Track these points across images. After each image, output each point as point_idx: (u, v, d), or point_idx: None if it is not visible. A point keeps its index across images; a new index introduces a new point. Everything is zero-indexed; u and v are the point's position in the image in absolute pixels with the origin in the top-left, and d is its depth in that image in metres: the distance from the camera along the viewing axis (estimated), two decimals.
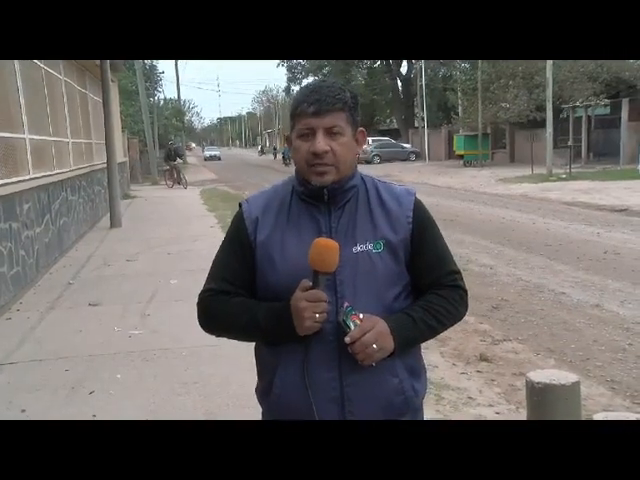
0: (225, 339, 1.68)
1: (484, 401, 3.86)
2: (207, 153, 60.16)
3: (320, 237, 1.46)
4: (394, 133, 46.82)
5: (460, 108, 33.88)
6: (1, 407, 3.83)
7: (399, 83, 47.49)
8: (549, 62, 20.19)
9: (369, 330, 1.41)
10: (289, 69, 54.16)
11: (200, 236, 10.09)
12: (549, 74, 20.35)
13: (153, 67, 39.82)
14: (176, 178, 22.10)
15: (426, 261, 1.57)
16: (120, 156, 17.68)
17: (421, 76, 37.11)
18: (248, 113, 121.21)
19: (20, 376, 4.36)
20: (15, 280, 6.49)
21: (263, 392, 1.60)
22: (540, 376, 1.75)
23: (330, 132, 1.46)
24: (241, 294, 1.56)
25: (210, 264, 1.65)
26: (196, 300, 1.64)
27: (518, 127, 29.41)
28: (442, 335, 5.66)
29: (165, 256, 8.59)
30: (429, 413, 3.62)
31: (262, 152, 64.91)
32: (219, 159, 55.09)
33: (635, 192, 14.61)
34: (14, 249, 6.55)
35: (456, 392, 3.99)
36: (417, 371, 1.61)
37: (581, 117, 26.37)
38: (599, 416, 1.67)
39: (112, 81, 14.80)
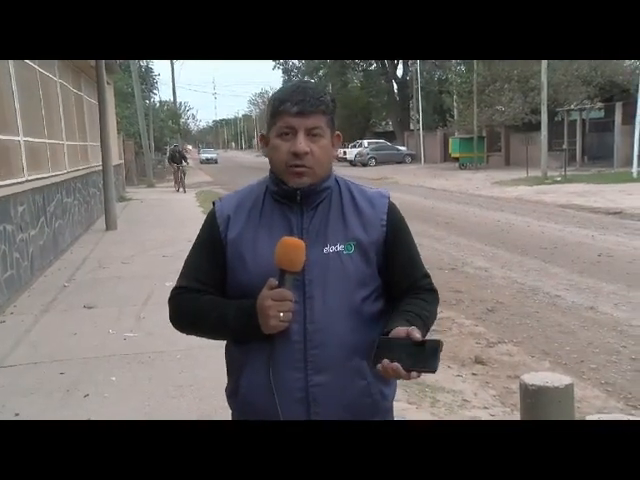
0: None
1: (479, 404, 3.87)
2: (203, 156, 56.77)
3: (292, 236, 1.46)
4: (390, 135, 46.89)
5: (456, 111, 33.99)
6: None
7: (395, 86, 47.61)
8: (544, 66, 20.27)
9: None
10: (285, 71, 54.30)
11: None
12: (544, 77, 20.44)
13: (149, 69, 39.80)
14: (180, 181, 21.62)
15: (400, 264, 1.57)
16: (116, 158, 17.65)
17: (417, 79, 37.20)
18: (244, 115, 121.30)
19: (14, 379, 4.35)
20: (9, 283, 6.47)
21: (231, 392, 1.60)
22: (534, 378, 1.76)
23: (311, 133, 1.46)
24: (212, 292, 1.56)
25: None
26: None
27: (513, 130, 29.51)
28: (437, 337, 5.64)
29: (160, 258, 8.57)
30: (424, 416, 3.63)
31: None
32: (216, 162, 52.99)
33: (629, 195, 14.68)
34: (8, 252, 6.53)
35: (451, 394, 4.00)
36: None
37: (575, 120, 26.49)
38: (593, 418, 1.68)
39: (108, 83, 14.79)
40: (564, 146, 24.04)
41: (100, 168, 12.80)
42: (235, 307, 1.49)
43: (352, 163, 38.75)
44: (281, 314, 1.40)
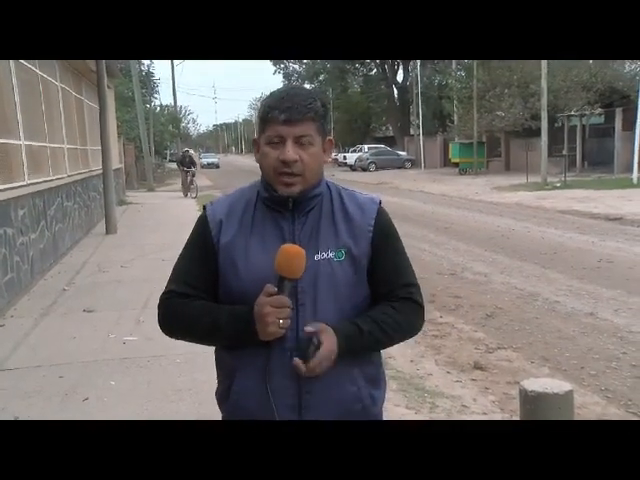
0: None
1: (478, 409, 3.86)
2: (204, 160, 55.75)
3: (285, 243, 1.46)
4: (390, 141, 46.99)
5: (456, 116, 34.03)
6: None
7: (395, 91, 47.72)
8: (544, 71, 20.30)
9: (325, 358, 1.42)
10: (285, 76, 54.35)
11: None
12: (544, 83, 20.47)
13: (149, 73, 39.89)
14: (188, 186, 21.11)
15: (383, 271, 1.55)
16: (116, 162, 17.66)
17: (417, 84, 37.26)
18: (244, 120, 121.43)
19: (13, 383, 4.34)
20: (9, 286, 6.47)
21: (222, 396, 1.59)
22: (533, 384, 1.75)
23: (300, 141, 1.45)
24: (203, 297, 1.55)
25: None
26: None
27: (513, 135, 29.54)
28: (436, 343, 5.61)
29: (160, 262, 8.55)
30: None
31: None
32: (217, 167, 52.30)
33: (629, 201, 14.68)
34: (9, 255, 6.53)
35: (450, 400, 3.99)
36: (376, 379, 1.61)
37: (576, 126, 26.52)
38: None
39: (108, 87, 14.81)
40: (564, 152, 24.04)
41: (100, 172, 12.80)
42: (229, 313, 1.49)
43: (352, 168, 38.82)
44: (280, 321, 1.40)
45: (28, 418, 3.71)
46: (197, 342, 1.61)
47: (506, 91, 27.89)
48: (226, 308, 1.51)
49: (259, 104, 1.66)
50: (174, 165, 46.31)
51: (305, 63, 52.24)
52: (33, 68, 8.72)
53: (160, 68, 47.17)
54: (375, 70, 49.47)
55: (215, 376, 1.65)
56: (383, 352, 1.67)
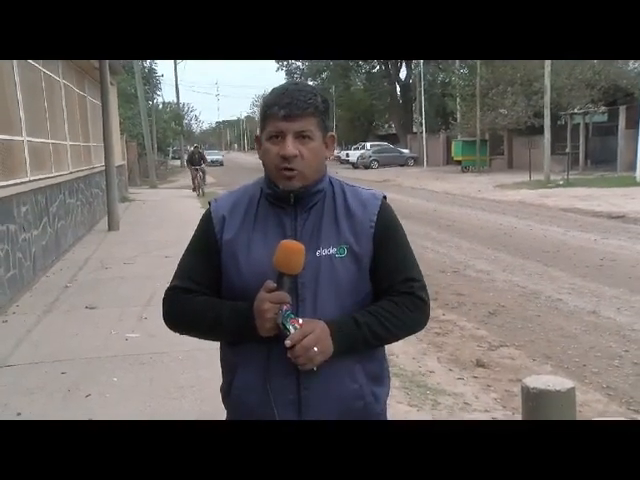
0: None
1: (480, 407, 3.86)
2: (208, 158, 53.25)
3: (286, 239, 1.46)
4: (392, 138, 46.92)
5: (458, 114, 33.96)
6: None
7: (398, 88, 47.64)
8: (547, 69, 20.25)
9: (310, 333, 1.40)
10: (288, 73, 54.30)
11: None
12: (547, 81, 20.42)
13: (152, 70, 39.87)
14: (199, 184, 20.57)
15: (385, 266, 1.54)
16: (118, 159, 17.67)
17: (420, 81, 37.21)
18: (246, 117, 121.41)
19: (16, 379, 4.35)
20: (12, 282, 6.48)
21: (225, 392, 1.60)
22: (536, 382, 1.75)
23: (300, 136, 1.46)
24: (206, 293, 1.56)
25: None
26: None
27: (516, 133, 29.49)
28: (439, 340, 5.60)
29: (162, 259, 8.56)
30: (425, 418, 3.63)
31: None
32: (221, 164, 51.27)
33: (632, 199, 14.65)
34: (11, 251, 6.54)
35: (452, 397, 3.99)
36: (379, 376, 1.60)
37: (579, 124, 26.46)
38: None
39: (111, 84, 14.81)
40: (567, 150, 24.01)
41: (103, 169, 12.82)
42: (231, 309, 1.50)
43: (355, 165, 38.78)
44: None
45: (30, 414, 3.72)
46: (201, 337, 1.61)
47: (509, 89, 27.81)
48: (228, 304, 1.51)
49: (261, 101, 1.66)
50: (177, 162, 46.34)
51: (308, 60, 52.20)
52: (36, 65, 8.72)
53: (163, 65, 47.38)
54: (378, 67, 49.38)
55: (218, 373, 1.65)
56: (385, 349, 1.67)
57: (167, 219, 13.57)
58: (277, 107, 1.45)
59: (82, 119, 12.84)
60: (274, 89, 1.53)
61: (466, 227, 11.79)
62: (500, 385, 4.22)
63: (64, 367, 4.54)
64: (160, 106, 41.13)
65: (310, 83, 1.76)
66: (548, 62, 20.03)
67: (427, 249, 9.29)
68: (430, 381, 4.26)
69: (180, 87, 52.03)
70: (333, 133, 1.58)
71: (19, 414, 3.75)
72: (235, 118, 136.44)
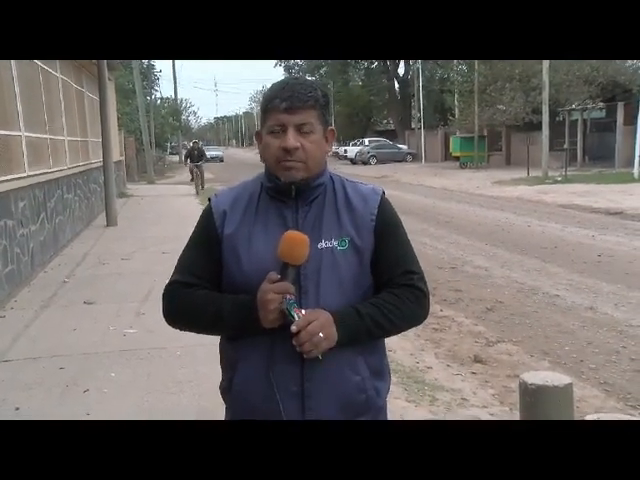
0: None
1: (478, 402, 3.87)
2: (208, 154, 51.35)
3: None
4: (391, 134, 46.88)
5: (457, 110, 33.94)
6: None
7: (396, 84, 47.57)
8: (545, 65, 20.25)
9: (314, 320, 1.40)
10: (286, 69, 54.18)
11: None
12: (546, 77, 20.42)
13: (150, 66, 39.77)
14: (197, 182, 20.07)
15: (385, 260, 1.55)
16: (116, 155, 17.64)
17: (418, 77, 37.17)
18: (245, 112, 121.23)
19: (14, 374, 4.35)
20: (10, 278, 6.48)
21: (225, 388, 1.60)
22: (533, 377, 1.76)
23: (301, 129, 1.46)
24: (207, 287, 1.56)
25: None
26: None
27: (514, 129, 29.48)
28: (436, 336, 5.61)
29: (160, 255, 8.56)
30: (423, 414, 3.64)
31: None
32: (221, 160, 50.06)
33: (630, 195, 14.67)
34: (9, 247, 6.53)
35: (450, 393, 4.00)
36: (380, 371, 1.61)
37: (577, 120, 26.46)
38: (591, 418, 1.68)
39: (109, 79, 14.79)
40: (565, 146, 24.03)
41: (101, 164, 12.79)
42: (232, 302, 1.49)
43: (353, 161, 38.77)
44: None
45: (28, 409, 3.72)
46: (201, 331, 1.61)
47: (507, 85, 27.81)
48: (229, 297, 1.51)
49: (260, 97, 1.66)
50: (175, 158, 46.15)
51: None
52: (34, 60, 8.69)
53: (161, 61, 46.97)
54: (376, 64, 49.31)
55: (216, 369, 1.65)
56: (385, 345, 1.67)
57: (165, 215, 13.56)
58: (278, 100, 1.46)
59: (80, 114, 12.80)
60: (274, 84, 1.53)
61: (464, 223, 11.80)
62: (498, 381, 4.23)
63: (62, 362, 4.54)
64: (158, 102, 41.00)
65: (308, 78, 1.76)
66: None
67: (425, 245, 9.30)
68: (428, 377, 4.27)
69: (178, 82, 51.73)
70: (333, 127, 1.59)
71: (17, 409, 3.75)
72: (233, 114, 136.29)
